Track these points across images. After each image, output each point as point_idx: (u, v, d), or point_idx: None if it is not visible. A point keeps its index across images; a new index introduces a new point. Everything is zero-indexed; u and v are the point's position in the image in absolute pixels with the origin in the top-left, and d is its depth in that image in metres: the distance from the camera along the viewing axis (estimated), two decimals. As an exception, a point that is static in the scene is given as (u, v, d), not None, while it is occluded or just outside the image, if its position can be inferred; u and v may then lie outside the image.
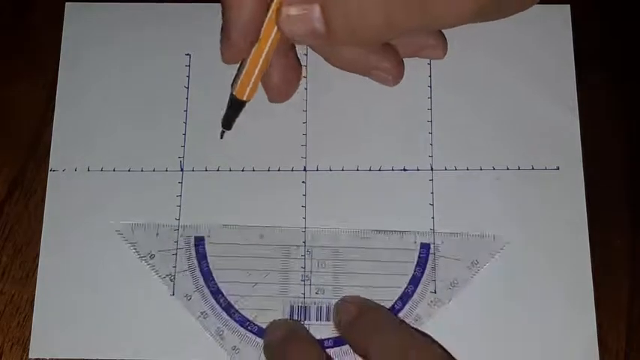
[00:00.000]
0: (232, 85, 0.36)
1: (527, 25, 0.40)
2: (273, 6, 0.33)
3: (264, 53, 0.34)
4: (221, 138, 0.37)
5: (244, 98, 0.35)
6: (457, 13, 0.31)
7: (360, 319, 0.35)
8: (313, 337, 0.36)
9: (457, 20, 0.32)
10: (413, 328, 0.36)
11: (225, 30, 0.33)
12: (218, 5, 0.40)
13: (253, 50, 0.34)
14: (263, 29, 0.33)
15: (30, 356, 0.37)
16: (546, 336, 0.36)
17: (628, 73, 0.40)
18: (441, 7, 0.31)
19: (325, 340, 0.36)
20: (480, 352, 0.36)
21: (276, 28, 0.33)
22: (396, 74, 0.37)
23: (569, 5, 0.40)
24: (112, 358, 0.36)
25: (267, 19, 0.33)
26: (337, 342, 0.36)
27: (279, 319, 0.37)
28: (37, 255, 0.38)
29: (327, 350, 0.36)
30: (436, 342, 0.35)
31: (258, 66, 0.34)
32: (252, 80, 0.35)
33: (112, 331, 0.37)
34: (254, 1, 0.32)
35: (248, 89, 0.35)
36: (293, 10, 0.31)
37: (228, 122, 0.36)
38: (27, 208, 0.39)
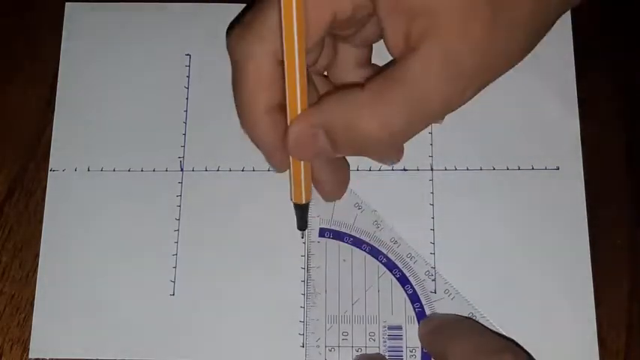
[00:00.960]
0: (290, 194, 0.36)
1: (527, 25, 0.40)
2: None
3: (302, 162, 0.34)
4: (302, 238, 0.38)
5: (303, 202, 0.36)
6: (459, 104, 0.32)
7: (440, 328, 0.35)
8: None
9: (458, 107, 0.33)
10: (497, 333, 0.36)
11: (262, 153, 0.35)
12: (218, 5, 0.40)
13: (292, 160, 0.34)
14: None
15: (30, 356, 0.37)
16: (546, 336, 0.36)
17: (628, 73, 0.40)
18: (440, 111, 0.32)
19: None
20: (479, 352, 0.36)
21: None
22: (395, 160, 0.38)
23: (569, 5, 0.40)
24: (111, 358, 0.36)
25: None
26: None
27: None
28: (37, 255, 0.38)
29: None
30: (519, 347, 0.35)
31: (302, 172, 0.34)
32: (303, 186, 0.35)
33: (112, 331, 0.37)
34: (268, 125, 0.33)
35: (303, 193, 0.35)
36: (300, 137, 0.32)
37: (302, 224, 0.37)
38: (27, 208, 0.39)
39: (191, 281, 0.37)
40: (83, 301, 0.37)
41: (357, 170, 0.39)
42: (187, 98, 0.40)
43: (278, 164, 0.35)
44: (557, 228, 0.37)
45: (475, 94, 0.32)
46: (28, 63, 0.40)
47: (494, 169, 0.38)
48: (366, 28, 0.34)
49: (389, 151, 0.36)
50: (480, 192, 0.38)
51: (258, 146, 0.34)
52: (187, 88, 0.40)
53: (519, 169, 0.38)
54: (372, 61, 0.37)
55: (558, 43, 0.40)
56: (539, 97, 0.39)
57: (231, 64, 0.33)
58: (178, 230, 0.38)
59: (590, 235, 0.37)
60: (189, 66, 0.40)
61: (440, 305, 0.36)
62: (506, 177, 0.38)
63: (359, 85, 0.31)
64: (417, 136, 0.38)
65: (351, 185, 0.38)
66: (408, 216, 0.38)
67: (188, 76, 0.40)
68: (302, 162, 0.34)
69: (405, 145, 0.39)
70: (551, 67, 0.39)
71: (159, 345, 0.37)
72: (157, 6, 0.41)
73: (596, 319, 0.36)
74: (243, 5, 0.40)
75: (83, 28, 0.41)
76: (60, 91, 0.40)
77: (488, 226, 0.38)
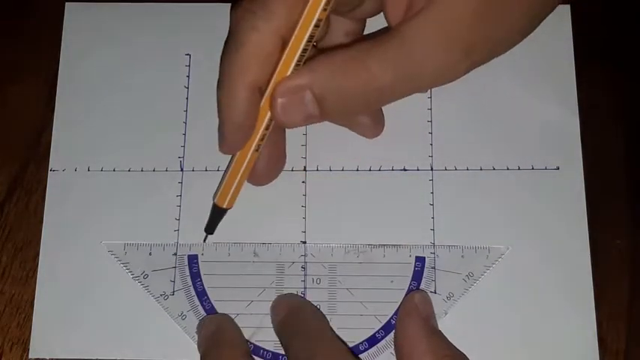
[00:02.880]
0: (214, 194, 0.36)
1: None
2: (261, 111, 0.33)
3: (245, 164, 0.35)
4: (204, 241, 0.37)
5: (224, 206, 0.36)
6: (450, 78, 0.32)
7: (286, 319, 0.35)
8: (238, 334, 0.36)
9: (450, 81, 0.33)
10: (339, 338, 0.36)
11: (220, 128, 0.34)
12: (218, 5, 0.40)
13: (233, 162, 0.35)
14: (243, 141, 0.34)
15: (30, 356, 0.37)
16: (546, 336, 0.36)
17: (628, 73, 0.40)
18: (431, 79, 0.32)
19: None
20: (479, 352, 0.36)
21: (261, 129, 0.34)
22: (375, 132, 0.38)
23: (569, 5, 0.40)
24: (111, 358, 0.36)
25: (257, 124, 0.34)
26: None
27: (210, 315, 0.36)
28: (37, 255, 0.38)
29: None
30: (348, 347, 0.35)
31: (238, 177, 0.35)
32: (232, 191, 0.35)
33: (112, 332, 0.37)
34: (245, 101, 0.32)
35: (228, 198, 0.35)
36: (286, 99, 0.32)
37: (211, 228, 0.37)
38: (27, 208, 0.39)
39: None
40: (83, 301, 0.37)
41: (357, 170, 0.39)
42: (187, 98, 0.40)
43: (231, 145, 0.34)
44: (557, 228, 0.37)
45: (468, 71, 0.32)
46: (28, 63, 0.40)
47: (494, 169, 0.38)
48: (365, 4, 0.34)
49: (372, 114, 0.36)
50: (479, 192, 0.38)
51: (223, 120, 0.33)
52: (187, 88, 0.40)
53: (519, 169, 0.38)
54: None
55: (558, 43, 0.40)
56: (539, 97, 0.39)
57: (230, 34, 0.33)
58: (178, 230, 0.38)
59: (590, 235, 0.37)
60: (189, 66, 0.40)
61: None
62: (506, 177, 0.38)
63: (348, 45, 0.32)
64: (417, 136, 0.39)
65: (351, 185, 0.38)
66: (408, 216, 0.38)
67: (188, 76, 0.40)
68: (243, 164, 0.34)
69: (405, 145, 0.39)
70: (551, 67, 0.39)
71: (159, 345, 0.37)
72: (157, 6, 0.41)
73: (596, 319, 0.36)
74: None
75: (83, 28, 0.41)
76: (60, 91, 0.40)
77: (488, 226, 0.37)
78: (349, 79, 0.31)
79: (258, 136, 0.34)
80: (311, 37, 0.32)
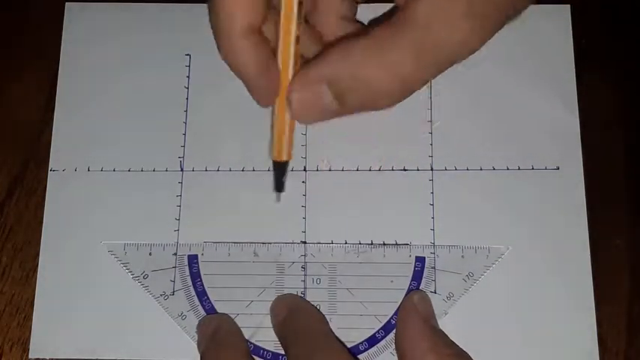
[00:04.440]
0: (270, 151, 0.35)
1: (527, 25, 0.40)
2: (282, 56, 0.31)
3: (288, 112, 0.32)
4: (278, 201, 0.37)
5: (284, 159, 0.34)
6: (470, 51, 0.30)
7: (285, 319, 0.35)
8: (238, 334, 0.36)
9: (469, 54, 0.31)
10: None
11: (246, 87, 0.32)
12: (218, 5, 0.40)
13: (276, 111, 0.32)
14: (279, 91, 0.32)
15: (30, 356, 0.37)
16: (546, 336, 0.36)
17: (628, 73, 0.40)
18: (451, 57, 0.30)
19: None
20: (479, 352, 0.36)
21: (289, 66, 0.31)
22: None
23: (569, 5, 0.40)
24: (111, 358, 0.36)
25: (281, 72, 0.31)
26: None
27: (210, 315, 0.36)
28: (37, 255, 0.38)
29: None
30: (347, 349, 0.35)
31: (287, 127, 0.33)
32: (285, 142, 0.33)
33: (112, 332, 0.37)
34: (249, 49, 0.30)
35: (285, 150, 0.34)
36: (303, 94, 0.30)
37: (279, 185, 0.35)
38: (27, 208, 0.39)
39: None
40: (83, 301, 0.37)
41: (357, 170, 0.39)
42: (187, 98, 0.40)
43: (263, 97, 0.32)
44: (557, 228, 0.37)
45: (492, 35, 0.30)
46: (28, 63, 0.40)
47: (494, 169, 0.38)
48: None
49: (399, 101, 0.33)
50: (479, 192, 0.38)
51: (239, 76, 0.31)
52: (187, 88, 0.40)
53: (519, 169, 0.38)
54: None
55: (558, 44, 0.40)
56: (539, 97, 0.39)
57: None
58: (178, 230, 0.38)
59: (590, 235, 0.37)
60: (189, 66, 0.40)
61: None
62: (506, 177, 0.38)
63: (362, 34, 0.30)
64: (417, 136, 0.39)
65: (351, 185, 0.38)
66: (408, 216, 0.38)
67: (188, 76, 0.40)
68: (287, 114, 0.32)
69: (405, 145, 0.39)
70: (551, 68, 0.39)
71: (159, 345, 0.37)
72: (157, 6, 0.41)
73: (596, 319, 0.36)
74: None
75: (83, 28, 0.41)
76: (60, 91, 0.40)
77: (488, 226, 0.37)
78: (370, 71, 0.29)
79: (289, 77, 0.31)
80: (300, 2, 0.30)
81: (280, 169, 0.35)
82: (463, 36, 0.29)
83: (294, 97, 0.30)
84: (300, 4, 0.30)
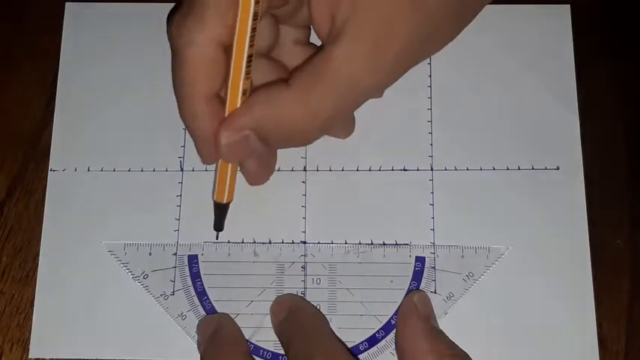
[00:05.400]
0: (212, 193, 0.36)
1: (527, 25, 0.40)
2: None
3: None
4: (217, 239, 0.38)
5: (224, 201, 0.36)
6: (385, 86, 0.34)
7: (286, 319, 0.35)
8: (238, 333, 0.36)
9: (384, 88, 0.34)
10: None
11: (195, 144, 0.34)
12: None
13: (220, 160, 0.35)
14: None
15: (30, 356, 0.37)
16: (546, 336, 0.36)
17: (628, 73, 0.40)
18: (367, 95, 0.33)
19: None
20: (479, 352, 0.36)
21: None
22: (346, 134, 0.38)
23: (569, 5, 0.40)
24: (111, 358, 0.36)
25: None
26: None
27: (210, 315, 0.36)
28: (37, 255, 0.38)
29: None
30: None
31: (229, 172, 0.35)
32: (227, 185, 0.35)
33: (112, 331, 0.37)
34: (207, 113, 0.33)
35: (226, 193, 0.36)
36: (230, 140, 0.32)
37: (218, 225, 0.37)
38: (27, 208, 0.39)
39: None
40: (83, 301, 0.37)
41: (357, 170, 0.39)
42: (187, 98, 0.40)
43: (208, 157, 0.34)
44: (557, 228, 0.37)
45: (404, 73, 0.33)
46: (28, 63, 0.40)
47: (494, 169, 0.38)
48: (303, 9, 0.35)
49: (320, 136, 0.36)
50: (479, 192, 0.38)
51: (193, 136, 0.34)
52: (187, 88, 0.40)
53: (519, 169, 0.38)
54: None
55: (558, 43, 0.40)
56: (539, 97, 0.39)
57: (172, 52, 0.33)
58: (178, 230, 0.38)
59: (590, 235, 0.37)
60: (189, 66, 0.40)
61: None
62: (506, 177, 0.38)
63: (284, 81, 0.32)
64: (417, 136, 0.39)
65: (351, 185, 0.38)
66: (408, 216, 0.38)
67: (188, 76, 0.40)
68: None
69: (405, 145, 0.39)
70: (551, 67, 0.39)
71: (158, 345, 0.37)
72: (157, 6, 0.41)
73: (596, 319, 0.36)
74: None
75: (83, 28, 0.41)
76: (60, 91, 0.40)
77: (488, 226, 0.37)
78: (293, 116, 0.32)
79: None
80: (251, 40, 0.32)
81: (220, 211, 0.37)
82: (373, 82, 0.32)
83: (223, 142, 0.32)
84: (249, 62, 0.32)
